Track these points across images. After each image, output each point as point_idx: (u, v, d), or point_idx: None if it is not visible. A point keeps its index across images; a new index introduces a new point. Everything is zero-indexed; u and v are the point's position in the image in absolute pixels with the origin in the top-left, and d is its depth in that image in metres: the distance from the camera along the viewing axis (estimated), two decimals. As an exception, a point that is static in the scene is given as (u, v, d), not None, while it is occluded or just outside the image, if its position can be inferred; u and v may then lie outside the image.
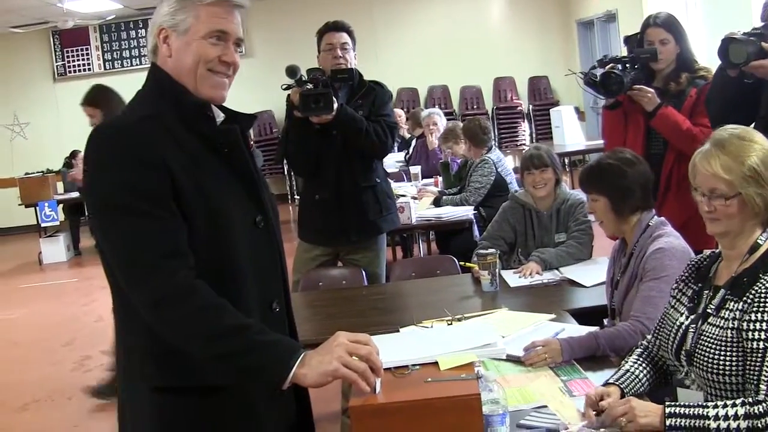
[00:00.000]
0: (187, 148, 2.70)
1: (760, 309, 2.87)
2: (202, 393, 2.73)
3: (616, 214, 4.28)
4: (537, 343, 3.74)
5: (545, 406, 3.23)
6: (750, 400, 2.78)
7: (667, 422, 2.84)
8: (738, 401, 2.79)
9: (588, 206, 4.45)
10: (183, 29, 2.77)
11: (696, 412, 2.81)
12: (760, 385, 2.80)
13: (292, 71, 5.66)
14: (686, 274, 3.33)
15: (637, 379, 3.27)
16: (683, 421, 2.82)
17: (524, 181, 5.97)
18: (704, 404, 2.85)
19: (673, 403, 2.90)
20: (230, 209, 2.75)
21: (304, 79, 5.70)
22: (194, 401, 2.73)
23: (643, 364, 3.35)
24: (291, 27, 18.51)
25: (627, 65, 5.52)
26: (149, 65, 2.90)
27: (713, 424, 2.76)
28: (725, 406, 2.78)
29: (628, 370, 3.31)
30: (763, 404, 2.73)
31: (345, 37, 6.03)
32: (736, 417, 2.74)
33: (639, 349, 3.44)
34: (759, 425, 2.72)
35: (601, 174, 4.35)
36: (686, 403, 2.89)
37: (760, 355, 2.83)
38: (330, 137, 5.84)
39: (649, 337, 3.46)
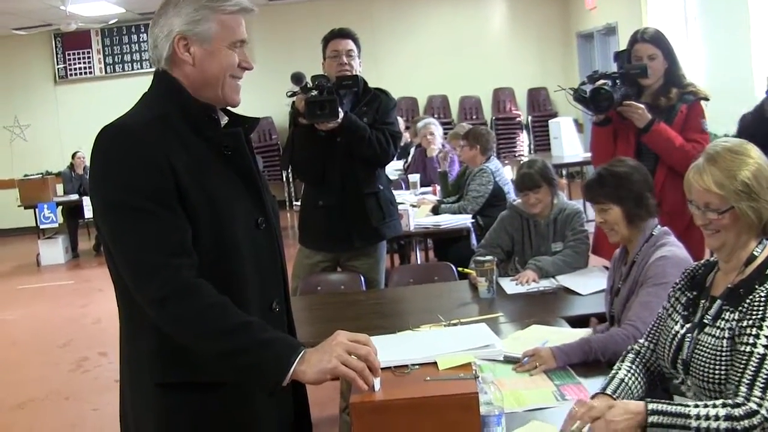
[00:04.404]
0: (192, 150, 2.75)
1: (753, 316, 2.90)
2: (204, 389, 2.77)
3: (629, 222, 4.26)
4: (527, 353, 3.78)
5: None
6: (731, 402, 2.81)
7: (650, 419, 2.86)
8: (719, 402, 2.82)
9: (597, 216, 4.43)
10: (206, 38, 2.81)
11: (677, 411, 2.83)
12: (741, 387, 2.82)
13: (297, 78, 5.67)
14: (681, 282, 3.36)
15: (631, 392, 3.28)
16: (665, 419, 2.84)
17: (520, 200, 6.01)
18: (686, 404, 2.88)
19: (655, 401, 2.92)
20: (233, 210, 2.80)
21: (309, 86, 5.70)
22: (196, 397, 2.78)
23: (637, 372, 3.35)
24: (291, 34, 18.61)
25: (617, 81, 5.54)
26: (151, 69, 2.94)
27: (693, 423, 2.79)
28: (706, 406, 2.81)
29: (622, 380, 3.31)
30: (743, 407, 2.77)
31: (350, 44, 6.04)
32: (716, 417, 2.77)
33: (631, 355, 3.43)
34: (738, 427, 2.75)
35: (614, 182, 4.30)
36: (668, 402, 2.93)
37: (745, 357, 2.86)
38: (334, 144, 5.83)
39: (641, 341, 3.49)
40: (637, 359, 3.41)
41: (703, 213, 3.10)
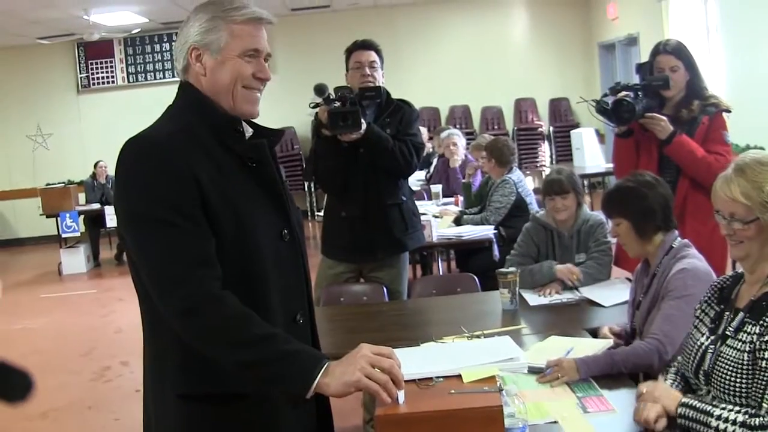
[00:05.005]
0: (216, 161, 2.76)
1: None
2: (227, 400, 2.78)
3: (638, 236, 4.29)
4: (550, 363, 3.78)
5: (556, 422, 3.29)
6: (752, 411, 2.87)
7: (679, 410, 3.03)
8: (742, 409, 2.90)
9: (611, 230, 4.47)
10: (216, 48, 2.83)
11: (704, 408, 2.97)
12: (763, 403, 2.87)
13: (320, 89, 5.65)
14: (708, 296, 3.37)
15: None
16: (692, 412, 2.99)
17: (546, 206, 5.98)
18: (714, 404, 2.98)
19: (690, 395, 3.09)
20: (257, 221, 2.80)
21: (332, 97, 5.69)
22: (219, 409, 2.78)
23: (680, 383, 3.41)
24: (313, 44, 18.64)
25: (639, 93, 5.54)
26: (173, 79, 2.98)
27: (714, 422, 2.90)
28: (730, 410, 2.90)
29: (671, 385, 3.38)
30: (760, 418, 2.82)
31: (373, 55, 6.03)
32: (734, 422, 2.86)
33: (674, 367, 3.51)
34: None
35: (621, 197, 4.37)
36: (700, 400, 3.05)
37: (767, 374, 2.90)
38: (357, 155, 5.83)
39: (679, 357, 3.51)
40: (678, 375, 3.45)
41: (728, 223, 3.13)
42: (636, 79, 5.85)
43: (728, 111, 5.55)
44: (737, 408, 2.90)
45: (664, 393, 3.15)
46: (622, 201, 4.36)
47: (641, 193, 4.31)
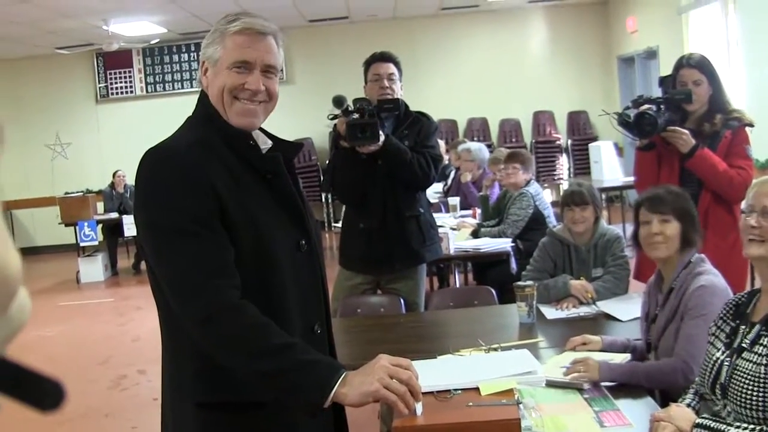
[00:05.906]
0: (233, 172, 2.78)
1: None
2: (244, 409, 2.79)
3: (681, 241, 4.21)
4: (578, 360, 3.81)
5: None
6: (767, 429, 2.87)
7: (694, 431, 3.02)
8: (757, 428, 2.89)
9: (655, 227, 4.34)
10: (214, 60, 2.88)
11: (719, 428, 2.96)
12: None
13: (338, 101, 5.68)
14: (724, 313, 3.38)
15: None
16: None
17: (564, 217, 5.96)
18: (730, 423, 2.98)
19: (705, 416, 3.08)
20: (274, 232, 2.82)
21: (350, 109, 5.71)
22: (237, 417, 2.79)
23: (699, 402, 3.42)
24: (331, 56, 18.65)
25: (661, 106, 5.53)
26: (191, 90, 3.04)
27: None
28: (745, 428, 2.90)
29: (689, 404, 3.40)
30: None
31: (392, 67, 6.05)
32: None
33: (692, 389, 3.52)
34: None
35: (677, 198, 4.29)
36: (715, 419, 3.04)
37: None
38: (376, 167, 5.84)
39: (697, 379, 3.51)
40: (698, 393, 3.46)
41: (757, 216, 3.15)
42: (657, 93, 5.84)
43: (751, 125, 5.55)
44: (752, 426, 2.90)
45: (679, 414, 3.15)
46: (678, 201, 4.28)
47: (689, 200, 4.33)
